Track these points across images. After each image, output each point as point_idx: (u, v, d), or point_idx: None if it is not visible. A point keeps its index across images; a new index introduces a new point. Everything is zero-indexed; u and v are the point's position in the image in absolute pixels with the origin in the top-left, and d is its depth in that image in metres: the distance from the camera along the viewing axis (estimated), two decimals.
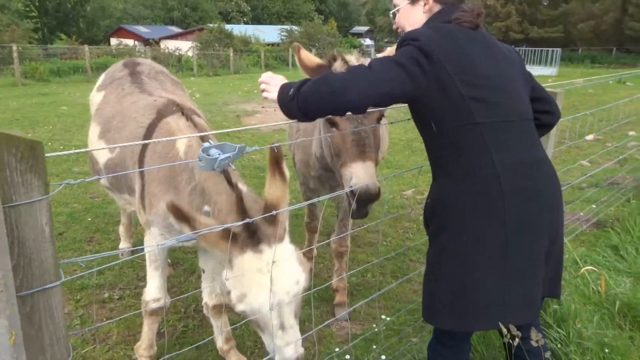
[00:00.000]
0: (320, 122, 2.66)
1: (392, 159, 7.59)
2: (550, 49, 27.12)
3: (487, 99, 1.75)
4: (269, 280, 1.71)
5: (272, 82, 1.94)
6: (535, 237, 1.78)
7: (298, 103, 1.76)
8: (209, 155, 1.38)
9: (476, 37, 1.87)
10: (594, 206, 5.19)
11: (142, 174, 2.46)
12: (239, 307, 1.79)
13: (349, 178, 2.31)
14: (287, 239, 1.88)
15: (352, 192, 2.26)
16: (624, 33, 38.48)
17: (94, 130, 3.02)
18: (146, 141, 2.25)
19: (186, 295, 3.52)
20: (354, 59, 2.50)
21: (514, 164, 1.77)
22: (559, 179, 2.00)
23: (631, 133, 9.44)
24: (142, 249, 4.26)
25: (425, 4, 2.00)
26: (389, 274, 4.14)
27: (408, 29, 2.05)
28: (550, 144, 3.03)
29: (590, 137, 9.16)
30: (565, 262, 3.75)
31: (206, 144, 1.41)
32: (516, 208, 1.74)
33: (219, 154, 1.38)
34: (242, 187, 2.08)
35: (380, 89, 1.70)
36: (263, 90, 1.97)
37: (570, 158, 7.77)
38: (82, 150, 1.36)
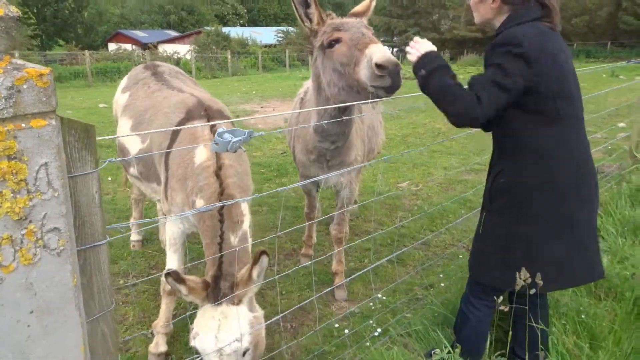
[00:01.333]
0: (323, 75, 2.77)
1: (388, 153, 7.86)
2: None
3: (567, 94, 2.05)
4: (217, 328, 2.13)
5: (418, 47, 2.19)
6: (591, 210, 2.15)
7: (421, 82, 2.11)
8: (222, 138, 1.64)
9: (555, 36, 2.10)
10: None
11: (166, 167, 2.71)
12: (191, 343, 2.19)
13: (369, 58, 2.30)
14: (245, 304, 2.24)
15: (378, 65, 2.24)
16: (618, 27, 38.68)
17: (125, 124, 3.26)
18: (174, 128, 2.54)
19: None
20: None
21: (581, 149, 2.12)
22: None
23: (621, 124, 9.69)
24: (155, 242, 4.52)
25: (493, 2, 2.16)
26: (385, 261, 4.40)
27: (478, 20, 2.28)
28: None
29: (597, 135, 9.42)
30: None
31: (220, 129, 1.67)
32: (582, 185, 2.10)
33: (232, 137, 1.64)
34: (232, 239, 2.36)
35: (485, 115, 1.96)
36: (409, 51, 2.22)
37: None
38: (126, 135, 1.61)
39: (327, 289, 3.74)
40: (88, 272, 1.39)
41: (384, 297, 3.67)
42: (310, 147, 3.25)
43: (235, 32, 38.41)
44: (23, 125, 1.10)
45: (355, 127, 3.28)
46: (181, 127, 2.50)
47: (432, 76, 2.05)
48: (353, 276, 3.28)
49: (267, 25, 57.51)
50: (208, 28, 36.62)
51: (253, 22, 60.95)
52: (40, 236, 1.16)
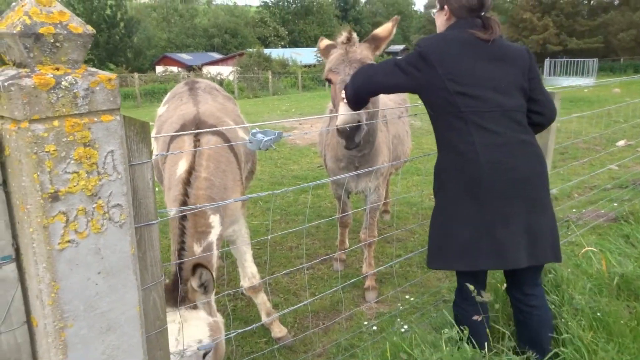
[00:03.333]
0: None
1: (423, 167, 7.98)
2: (587, 59, 26.89)
3: (470, 94, 2.24)
4: (177, 331, 2.19)
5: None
6: (506, 201, 2.25)
7: (351, 86, 2.61)
8: (255, 137, 1.88)
9: (478, 45, 2.32)
10: (615, 204, 5.45)
11: (162, 176, 3.00)
12: None
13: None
14: (202, 309, 2.33)
15: (337, 128, 2.79)
16: None
17: (152, 134, 3.59)
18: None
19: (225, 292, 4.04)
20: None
21: (493, 143, 2.24)
22: (543, 159, 2.43)
23: None
24: None
25: (445, 13, 2.48)
26: (415, 265, 4.54)
27: (436, 30, 2.59)
28: (551, 139, 3.40)
29: (621, 142, 9.28)
30: (573, 247, 4.08)
31: (254, 130, 1.91)
32: (491, 176, 2.24)
33: (263, 137, 1.88)
34: (196, 248, 2.49)
35: (378, 81, 2.42)
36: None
37: (600, 163, 7.95)
38: (171, 134, 1.86)
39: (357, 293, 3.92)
40: (143, 247, 1.65)
41: (412, 299, 3.81)
42: (340, 155, 3.48)
43: (276, 53, 39.46)
44: (95, 119, 1.38)
45: (381, 136, 3.49)
46: (169, 134, 2.80)
47: (352, 80, 2.61)
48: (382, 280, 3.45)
49: (307, 46, 58.62)
50: (250, 50, 37.73)
51: (294, 44, 62.28)
52: (107, 210, 1.43)
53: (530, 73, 2.40)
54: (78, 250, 1.38)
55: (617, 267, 3.33)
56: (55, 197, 1.31)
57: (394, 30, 3.06)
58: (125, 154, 1.47)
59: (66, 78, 1.32)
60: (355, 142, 2.83)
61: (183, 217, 2.49)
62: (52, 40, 1.31)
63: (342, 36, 2.94)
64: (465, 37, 2.33)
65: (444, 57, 2.27)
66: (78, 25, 1.36)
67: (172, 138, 2.98)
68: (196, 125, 3.00)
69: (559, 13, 42.25)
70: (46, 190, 1.29)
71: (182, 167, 2.69)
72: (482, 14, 2.43)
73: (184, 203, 2.54)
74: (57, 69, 1.33)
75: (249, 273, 3.29)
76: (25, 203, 1.30)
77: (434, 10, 2.66)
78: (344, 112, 2.67)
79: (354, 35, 2.93)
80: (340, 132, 2.74)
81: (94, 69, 1.42)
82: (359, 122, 2.71)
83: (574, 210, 5.48)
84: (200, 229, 2.54)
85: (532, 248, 2.31)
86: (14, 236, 1.37)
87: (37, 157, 1.26)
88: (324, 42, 3.21)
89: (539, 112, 2.46)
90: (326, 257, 4.57)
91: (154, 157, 3.32)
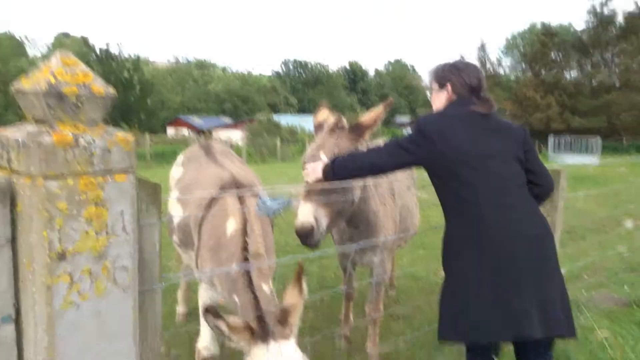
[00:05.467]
0: None
1: (428, 240, 7.90)
2: (591, 138, 27.33)
3: (473, 164, 2.31)
4: None
5: (314, 168, 2.69)
6: (516, 266, 2.23)
7: (333, 173, 2.57)
8: (264, 203, 1.86)
9: (476, 119, 2.45)
10: (627, 288, 5.32)
11: (199, 236, 2.92)
12: None
13: None
14: (293, 339, 2.20)
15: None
16: None
17: (173, 196, 3.57)
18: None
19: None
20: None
21: (499, 209, 2.29)
22: (548, 224, 2.46)
23: None
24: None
25: (447, 92, 2.59)
26: (418, 345, 4.37)
27: (434, 108, 2.67)
28: (558, 219, 3.39)
29: (629, 224, 9.20)
30: (585, 332, 3.93)
31: (264, 197, 1.90)
32: (499, 241, 2.24)
33: (272, 203, 1.87)
34: (266, 288, 2.43)
35: (387, 164, 2.49)
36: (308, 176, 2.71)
37: (610, 244, 7.83)
38: (185, 196, 1.84)
39: None
40: (144, 312, 1.59)
41: None
42: (341, 228, 3.48)
43: (285, 120, 40.39)
44: (109, 178, 1.37)
45: (384, 209, 3.46)
46: (212, 196, 2.77)
47: (334, 165, 2.56)
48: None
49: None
50: (260, 116, 38.72)
51: (303, 111, 63.96)
52: (112, 272, 1.39)
53: (525, 145, 2.50)
54: (79, 313, 1.33)
55: (632, 354, 3.20)
56: (62, 256, 1.28)
57: (382, 117, 3.07)
58: (135, 215, 1.46)
59: (84, 137, 1.32)
60: (312, 243, 2.75)
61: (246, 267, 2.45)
62: (74, 100, 1.33)
63: (330, 121, 3.00)
64: (465, 113, 2.46)
65: (444, 131, 2.37)
66: (100, 87, 1.39)
67: (213, 200, 2.95)
68: (236, 187, 3.01)
69: (561, 92, 43.38)
70: (54, 248, 1.26)
71: (232, 225, 2.68)
72: (480, 93, 2.57)
73: (245, 258, 2.47)
74: (76, 127, 1.34)
75: None
76: (31, 261, 1.27)
77: (432, 91, 2.74)
78: (302, 213, 2.63)
79: (343, 122, 3.00)
80: (296, 231, 2.69)
81: (112, 129, 1.43)
82: (312, 228, 2.64)
83: (583, 292, 5.34)
84: (264, 272, 2.51)
85: (544, 317, 2.26)
86: (16, 295, 1.32)
87: (48, 214, 1.25)
88: (321, 115, 3.29)
89: (536, 184, 2.52)
90: (331, 334, 4.41)
91: (178, 218, 3.30)
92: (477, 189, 2.29)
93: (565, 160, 21.54)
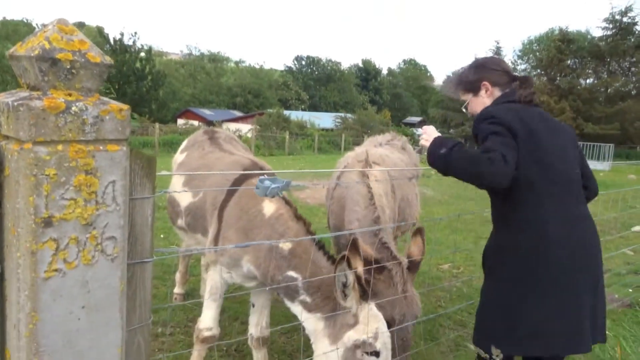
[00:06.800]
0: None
1: (433, 236, 7.86)
2: (604, 144, 27.07)
3: (546, 162, 2.16)
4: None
5: (430, 133, 2.39)
6: (576, 279, 2.14)
7: (443, 159, 2.19)
8: (263, 184, 1.85)
9: (534, 112, 2.31)
10: (630, 290, 5.26)
11: (220, 219, 2.92)
12: (374, 343, 2.33)
13: None
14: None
15: None
16: None
17: (178, 180, 3.56)
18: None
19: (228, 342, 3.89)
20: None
21: (563, 217, 2.16)
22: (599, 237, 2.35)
23: None
24: (196, 296, 4.71)
25: (486, 90, 2.43)
26: (417, 337, 4.34)
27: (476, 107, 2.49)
28: None
29: (637, 228, 9.12)
30: None
31: (262, 177, 1.89)
32: (562, 252, 2.12)
33: (271, 184, 1.85)
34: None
35: (512, 171, 2.05)
36: (421, 138, 2.42)
37: (614, 246, 7.76)
38: (187, 172, 1.86)
39: None
40: (133, 285, 1.58)
41: None
42: (343, 237, 3.44)
43: (295, 115, 40.37)
44: (101, 147, 1.36)
45: (384, 200, 3.42)
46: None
47: (453, 151, 2.17)
48: None
49: (326, 111, 60.08)
50: (270, 110, 38.70)
51: (314, 107, 63.89)
52: (100, 241, 1.38)
53: (576, 142, 2.41)
54: (64, 281, 1.32)
55: (633, 355, 3.15)
56: (48, 223, 1.27)
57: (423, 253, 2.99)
58: (127, 187, 1.44)
59: (77, 104, 1.31)
60: None
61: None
62: (68, 67, 1.32)
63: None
64: (520, 108, 2.28)
65: (517, 125, 2.18)
66: (96, 55, 1.37)
67: (237, 183, 2.98)
68: (261, 169, 3.10)
69: (575, 98, 42.95)
70: (40, 214, 1.25)
71: (270, 207, 2.77)
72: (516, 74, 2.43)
73: (306, 230, 2.71)
74: (70, 94, 1.33)
75: (264, 323, 3.22)
76: (16, 226, 1.26)
77: (466, 101, 2.53)
78: None
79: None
80: None
81: (106, 99, 1.41)
82: None
83: None
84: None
85: (593, 324, 2.21)
86: (1, 260, 1.32)
87: (35, 180, 1.24)
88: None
89: (586, 187, 2.40)
90: None
91: (187, 202, 3.29)
92: (545, 194, 2.15)
93: None
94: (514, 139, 2.11)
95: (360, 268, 2.41)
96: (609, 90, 45.32)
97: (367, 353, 2.32)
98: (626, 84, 45.20)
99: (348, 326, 2.36)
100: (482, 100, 2.44)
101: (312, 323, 2.52)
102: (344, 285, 2.29)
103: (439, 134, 2.35)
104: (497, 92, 2.41)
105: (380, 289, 2.67)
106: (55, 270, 1.29)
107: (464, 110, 2.60)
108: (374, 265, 2.57)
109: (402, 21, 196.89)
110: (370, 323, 2.34)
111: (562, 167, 2.21)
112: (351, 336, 2.33)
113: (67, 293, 1.33)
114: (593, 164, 24.55)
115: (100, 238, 1.37)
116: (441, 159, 2.20)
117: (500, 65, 2.44)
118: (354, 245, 2.42)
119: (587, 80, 46.28)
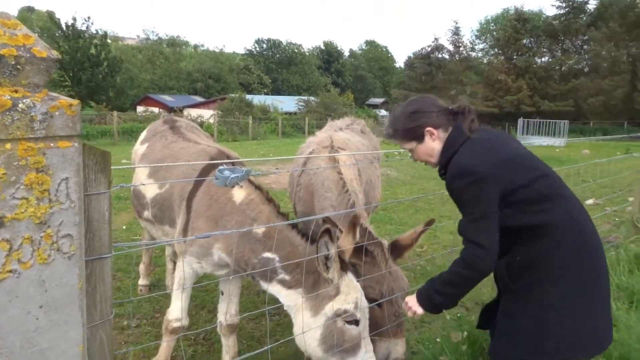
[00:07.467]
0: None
1: (396, 216, 8.01)
2: (559, 121, 27.98)
3: (546, 174, 2.17)
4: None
5: (412, 302, 2.35)
6: (599, 273, 2.15)
7: (446, 302, 2.23)
8: (222, 174, 1.85)
9: (494, 135, 2.30)
10: None
11: (188, 209, 2.90)
12: (352, 306, 2.43)
13: (385, 352, 2.74)
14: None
15: None
16: (634, 107, 39.32)
17: (142, 172, 3.50)
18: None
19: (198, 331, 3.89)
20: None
21: (578, 210, 2.16)
22: None
23: (631, 199, 9.74)
24: (162, 287, 4.67)
25: (431, 135, 2.27)
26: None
27: (431, 160, 2.35)
28: None
29: (590, 201, 9.50)
30: None
31: (221, 167, 1.89)
32: (590, 246, 2.12)
33: (230, 174, 1.85)
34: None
35: (494, 251, 2.08)
36: (410, 311, 2.36)
37: None
38: (151, 165, 1.83)
39: None
40: (93, 281, 1.57)
41: None
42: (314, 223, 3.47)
43: (258, 99, 39.96)
44: (52, 144, 1.33)
45: (355, 184, 3.47)
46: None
47: (439, 292, 2.21)
48: None
49: (289, 94, 59.69)
50: (233, 95, 38.18)
51: (276, 91, 63.35)
52: (56, 240, 1.36)
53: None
54: (20, 281, 1.30)
55: None
56: None
57: (419, 240, 3.06)
58: (81, 183, 1.42)
59: (24, 101, 1.28)
60: None
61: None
62: (12, 62, 1.28)
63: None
64: (486, 138, 2.22)
65: (496, 160, 2.11)
66: (42, 49, 1.34)
67: (204, 173, 2.95)
68: (227, 158, 3.08)
69: (532, 76, 44.15)
70: None
71: (240, 194, 2.75)
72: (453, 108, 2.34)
73: (282, 214, 2.76)
74: (16, 91, 1.30)
75: (233, 310, 3.23)
76: None
77: (411, 150, 2.41)
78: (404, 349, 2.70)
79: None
80: None
81: (55, 94, 1.38)
82: None
83: None
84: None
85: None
86: None
87: None
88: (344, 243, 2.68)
89: None
90: None
91: (152, 194, 3.25)
92: (557, 196, 2.12)
93: (533, 142, 21.99)
94: (501, 177, 2.08)
95: (350, 245, 2.51)
96: (563, 68, 46.74)
97: (347, 322, 2.41)
98: (579, 62, 46.68)
99: (329, 297, 2.43)
100: (430, 146, 2.30)
101: (292, 299, 2.57)
102: (326, 258, 2.36)
103: (415, 294, 2.37)
104: (442, 133, 2.28)
105: (367, 268, 2.79)
106: (10, 271, 1.28)
107: (410, 160, 2.54)
108: (363, 243, 2.70)
109: (362, 1, 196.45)
110: (351, 293, 2.44)
111: (546, 167, 2.24)
112: (332, 306, 2.41)
113: (23, 293, 1.31)
114: (549, 140, 25.36)
115: (55, 236, 1.36)
116: (441, 304, 2.25)
117: (435, 105, 2.32)
118: (354, 221, 2.50)
119: (543, 59, 47.55)
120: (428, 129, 2.26)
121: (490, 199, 2.06)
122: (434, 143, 2.29)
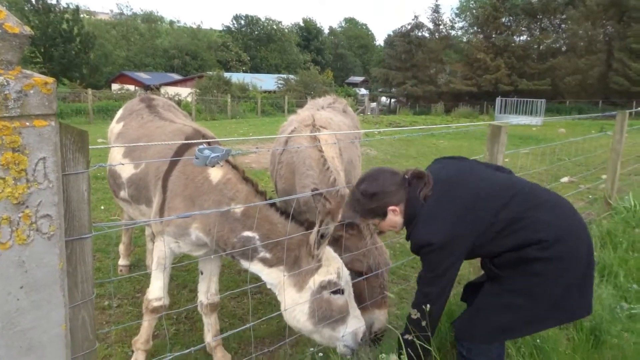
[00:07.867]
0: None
1: None
2: (536, 100, 28.34)
3: (511, 197, 2.25)
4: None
5: None
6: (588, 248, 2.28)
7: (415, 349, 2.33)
8: (202, 153, 1.84)
9: (450, 171, 2.43)
10: None
11: (164, 189, 2.87)
12: (339, 279, 2.50)
13: (369, 322, 2.83)
14: None
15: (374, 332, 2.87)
16: (609, 87, 39.96)
17: (117, 151, 3.42)
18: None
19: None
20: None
21: (556, 205, 2.30)
22: None
23: (604, 176, 9.98)
24: (142, 267, 4.65)
25: (394, 212, 2.34)
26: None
27: (396, 229, 2.45)
28: None
29: (565, 179, 9.71)
30: None
31: (201, 146, 1.87)
32: (575, 232, 2.25)
33: (210, 153, 1.84)
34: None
35: (443, 301, 2.36)
36: None
37: None
38: (127, 144, 1.80)
39: None
40: (74, 262, 1.56)
41: None
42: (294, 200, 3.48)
43: (236, 77, 39.42)
44: (27, 123, 1.31)
45: (337, 162, 3.49)
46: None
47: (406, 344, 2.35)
48: None
49: (268, 72, 59.04)
50: (210, 72, 37.59)
51: (255, 69, 62.54)
52: (35, 220, 1.34)
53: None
54: None
55: None
56: None
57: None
58: (59, 162, 1.40)
59: None
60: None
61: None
62: None
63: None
64: (441, 193, 2.31)
65: (454, 212, 2.23)
66: (14, 25, 1.30)
67: (180, 152, 2.94)
68: (203, 137, 3.05)
69: (510, 55, 44.45)
70: None
71: (217, 173, 2.75)
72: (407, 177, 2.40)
73: (261, 193, 2.75)
74: None
75: (213, 289, 3.24)
76: None
77: (374, 224, 2.53)
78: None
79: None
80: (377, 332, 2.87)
81: (29, 72, 1.35)
82: None
83: None
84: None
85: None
86: None
87: None
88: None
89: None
90: None
91: (129, 173, 3.19)
92: (530, 209, 2.21)
93: (511, 121, 22.27)
94: (462, 234, 2.20)
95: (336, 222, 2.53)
96: (541, 47, 47.08)
97: (332, 292, 2.45)
98: (557, 41, 47.06)
99: (312, 271, 2.47)
100: (393, 220, 2.38)
101: (274, 277, 2.59)
102: (322, 236, 2.40)
103: None
104: (402, 206, 2.35)
105: (354, 242, 2.85)
106: None
107: (372, 228, 2.70)
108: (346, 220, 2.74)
109: None
110: (332, 264, 2.49)
111: (509, 189, 2.29)
112: (316, 280, 2.45)
113: (3, 274, 1.30)
114: (526, 119, 25.70)
115: (34, 217, 1.34)
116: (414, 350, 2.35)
117: (394, 181, 2.37)
118: (342, 200, 2.56)
119: (521, 38, 47.83)
120: (390, 207, 2.33)
121: (450, 262, 2.25)
122: (396, 217, 2.36)
